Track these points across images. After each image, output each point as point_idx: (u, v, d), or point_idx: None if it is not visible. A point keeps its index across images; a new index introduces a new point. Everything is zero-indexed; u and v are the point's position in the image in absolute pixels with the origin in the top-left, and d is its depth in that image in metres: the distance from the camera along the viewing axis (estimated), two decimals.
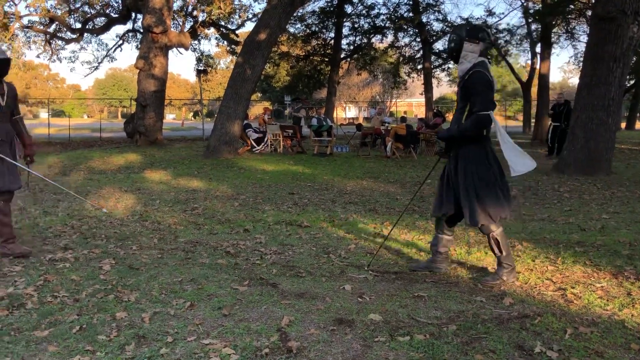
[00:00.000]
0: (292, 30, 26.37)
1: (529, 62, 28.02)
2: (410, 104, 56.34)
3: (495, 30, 24.85)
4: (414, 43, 27.42)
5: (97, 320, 3.20)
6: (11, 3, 21.99)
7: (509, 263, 3.99)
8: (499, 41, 25.51)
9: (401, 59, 27.94)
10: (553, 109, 15.06)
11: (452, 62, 4.27)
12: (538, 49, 24.28)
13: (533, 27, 24.76)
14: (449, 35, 4.23)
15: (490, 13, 24.66)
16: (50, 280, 3.99)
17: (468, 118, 3.94)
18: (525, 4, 24.96)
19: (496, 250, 3.98)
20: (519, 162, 3.96)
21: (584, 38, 24.88)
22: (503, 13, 43.32)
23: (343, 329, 3.07)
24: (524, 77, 27.64)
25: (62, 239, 5.44)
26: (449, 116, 27.00)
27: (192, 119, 65.26)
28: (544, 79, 22.86)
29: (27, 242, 5.25)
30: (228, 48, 27.52)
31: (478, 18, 25.70)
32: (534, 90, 25.63)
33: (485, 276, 4.13)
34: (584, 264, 4.39)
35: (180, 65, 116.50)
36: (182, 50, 21.59)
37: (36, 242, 5.28)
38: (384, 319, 3.21)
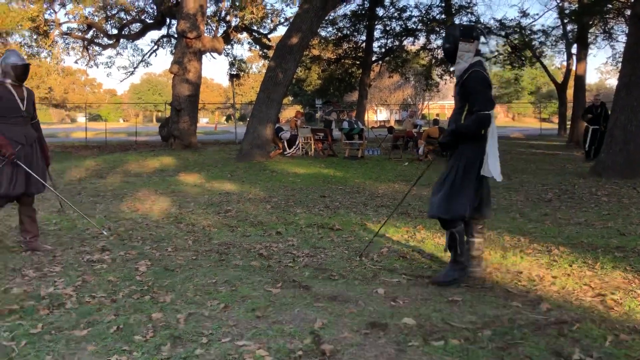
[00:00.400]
0: (323, 33, 26.44)
1: (565, 63, 27.51)
2: (443, 107, 55.83)
3: (529, 32, 24.44)
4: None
5: (134, 321, 3.25)
6: (51, 11, 22.64)
7: (461, 261, 4.04)
8: (533, 42, 25.08)
9: (433, 61, 27.72)
10: (589, 112, 14.72)
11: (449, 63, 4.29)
12: (574, 50, 23.81)
13: (569, 27, 24.27)
14: (443, 36, 4.25)
15: (525, 14, 24.21)
16: (89, 281, 4.08)
17: (467, 118, 3.93)
18: (560, 4, 24.50)
19: (447, 245, 4.06)
20: (494, 167, 3.91)
21: (623, 38, 24.25)
22: (537, 14, 42.40)
23: (376, 332, 3.06)
24: (559, 79, 27.16)
25: (100, 240, 5.55)
26: None
27: (225, 122, 66.01)
28: (580, 80, 22.40)
29: (65, 243, 5.40)
30: (260, 52, 27.77)
31: (512, 19, 25.25)
32: (570, 92, 25.14)
33: (436, 276, 4.16)
34: (624, 270, 4.27)
35: (214, 69, 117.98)
36: (215, 54, 21.86)
37: (75, 243, 5.41)
38: (417, 323, 3.19)
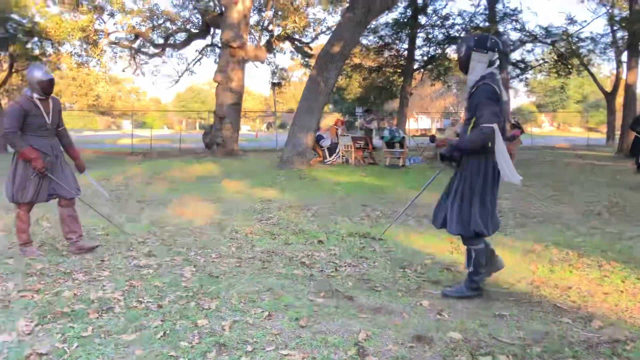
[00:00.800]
0: (364, 42, 26.42)
1: (614, 71, 26.72)
2: None
3: (577, 39, 23.87)
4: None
5: (180, 327, 3.30)
6: (101, 21, 23.36)
7: (478, 281, 3.99)
8: (581, 50, 24.47)
9: None
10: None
11: (463, 72, 4.23)
12: (624, 57, 23.12)
13: (619, 34, 23.60)
14: (458, 45, 4.13)
15: (572, 21, 23.66)
16: (136, 286, 4.16)
17: (472, 131, 3.85)
18: (610, 11, 23.85)
19: (466, 262, 4.00)
20: (509, 171, 3.86)
21: None
22: (585, 21, 41.45)
23: (422, 346, 3.01)
24: (608, 87, 26.39)
25: (146, 245, 5.67)
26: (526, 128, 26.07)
27: (265, 130, 66.66)
28: (630, 89, 21.72)
29: (113, 248, 5.53)
30: (301, 61, 27.96)
31: (558, 27, 24.67)
32: (619, 100, 24.39)
33: (449, 287, 4.16)
34: None
35: (255, 78, 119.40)
36: (257, 63, 22.13)
37: (122, 248, 5.54)
38: (464, 338, 3.13)
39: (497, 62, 3.92)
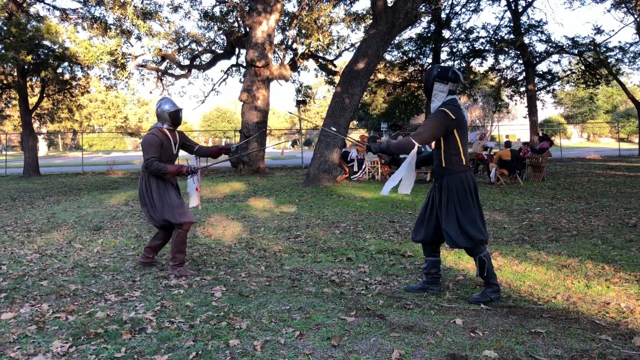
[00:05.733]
0: (388, 57, 26.47)
1: None
2: (513, 128, 54.37)
3: (604, 49, 23.54)
4: (515, 65, 26.62)
5: (212, 347, 3.29)
6: (128, 44, 23.87)
7: (495, 283, 4.26)
8: (609, 60, 24.12)
9: (502, 81, 27.16)
10: None
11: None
12: None
13: None
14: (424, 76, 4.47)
15: (599, 31, 23.37)
16: (167, 306, 4.18)
17: (446, 152, 4.24)
18: (639, 20, 23.48)
19: (479, 271, 4.25)
20: (407, 184, 4.32)
21: None
22: (613, 30, 40.96)
23: None
24: (639, 96, 25.89)
25: None
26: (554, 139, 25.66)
27: (291, 147, 67.03)
28: None
29: (144, 268, 5.58)
30: (326, 78, 28.10)
31: (585, 37, 24.38)
32: None
33: (474, 294, 4.37)
34: None
35: (280, 96, 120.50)
36: (282, 82, 22.30)
37: (153, 268, 5.58)
38: (499, 356, 3.05)
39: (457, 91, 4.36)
